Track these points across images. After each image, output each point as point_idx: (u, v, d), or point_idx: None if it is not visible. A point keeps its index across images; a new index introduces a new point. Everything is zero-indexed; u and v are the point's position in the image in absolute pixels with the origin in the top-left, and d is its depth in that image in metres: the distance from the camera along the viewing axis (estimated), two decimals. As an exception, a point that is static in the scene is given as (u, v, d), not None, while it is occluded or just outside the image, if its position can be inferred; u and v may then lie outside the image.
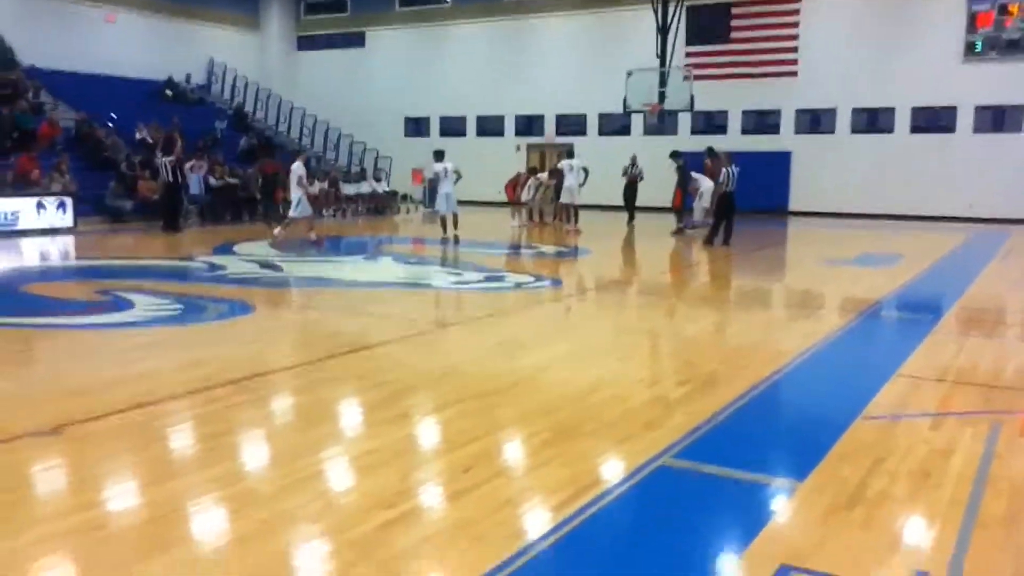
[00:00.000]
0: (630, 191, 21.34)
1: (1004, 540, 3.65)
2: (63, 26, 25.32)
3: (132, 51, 27.01)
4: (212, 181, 21.19)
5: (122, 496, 4.13)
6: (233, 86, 29.58)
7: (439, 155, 16.83)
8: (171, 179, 18.13)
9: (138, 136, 22.59)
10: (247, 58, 30.95)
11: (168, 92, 27.30)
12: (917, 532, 3.79)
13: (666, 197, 20.64)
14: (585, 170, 19.56)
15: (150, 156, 19.85)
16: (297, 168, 15.94)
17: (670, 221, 19.74)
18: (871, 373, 6.60)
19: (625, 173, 21.25)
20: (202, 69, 29.77)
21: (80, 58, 25.06)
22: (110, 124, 23.26)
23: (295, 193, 15.94)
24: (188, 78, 28.48)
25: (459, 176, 16.68)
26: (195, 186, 20.79)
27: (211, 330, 8.24)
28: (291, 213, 16.19)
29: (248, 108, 29.09)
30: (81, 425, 5.06)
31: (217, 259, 13.50)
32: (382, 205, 25.16)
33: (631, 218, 21.29)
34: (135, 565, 3.35)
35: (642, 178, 21.37)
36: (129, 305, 9.21)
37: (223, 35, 30.56)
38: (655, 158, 23.96)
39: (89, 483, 4.25)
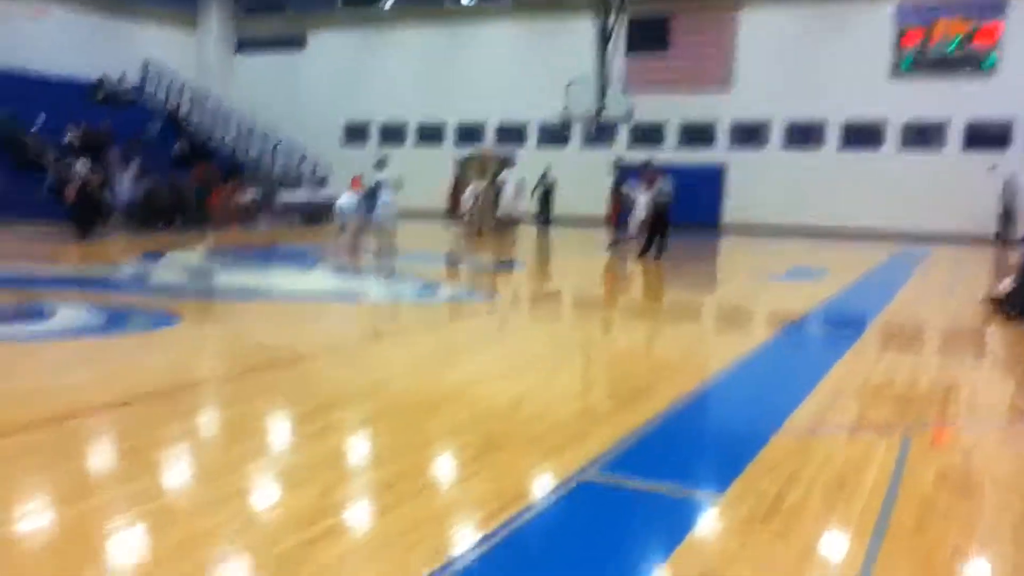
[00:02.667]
0: (544, 201, 21.69)
1: (912, 549, 3.78)
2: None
3: (61, 49, 26.26)
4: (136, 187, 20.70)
5: (32, 515, 4.01)
6: (168, 88, 28.94)
7: (381, 164, 16.84)
8: (80, 186, 17.57)
9: (66, 140, 22.00)
10: (183, 59, 30.32)
11: (100, 93, 26.60)
12: (830, 542, 3.89)
13: (603, 208, 20.88)
14: (521, 183, 19.82)
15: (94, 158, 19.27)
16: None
17: (606, 233, 19.93)
18: (793, 387, 6.76)
19: (538, 186, 21.53)
20: (136, 69, 29.07)
21: (4, 55, 24.29)
22: (36, 127, 22.58)
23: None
24: (121, 79, 27.76)
25: (400, 187, 16.66)
26: (126, 192, 20.32)
27: (134, 341, 8.06)
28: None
29: (184, 111, 28.51)
30: (-6, 440, 4.91)
31: (144, 267, 13.21)
32: (318, 214, 24.84)
33: (547, 227, 21.62)
34: (45, 586, 3.27)
35: (554, 187, 21.72)
36: (49, 314, 8.97)
37: (159, 34, 29.93)
38: (593, 169, 24.31)
39: (-1, 501, 4.12)
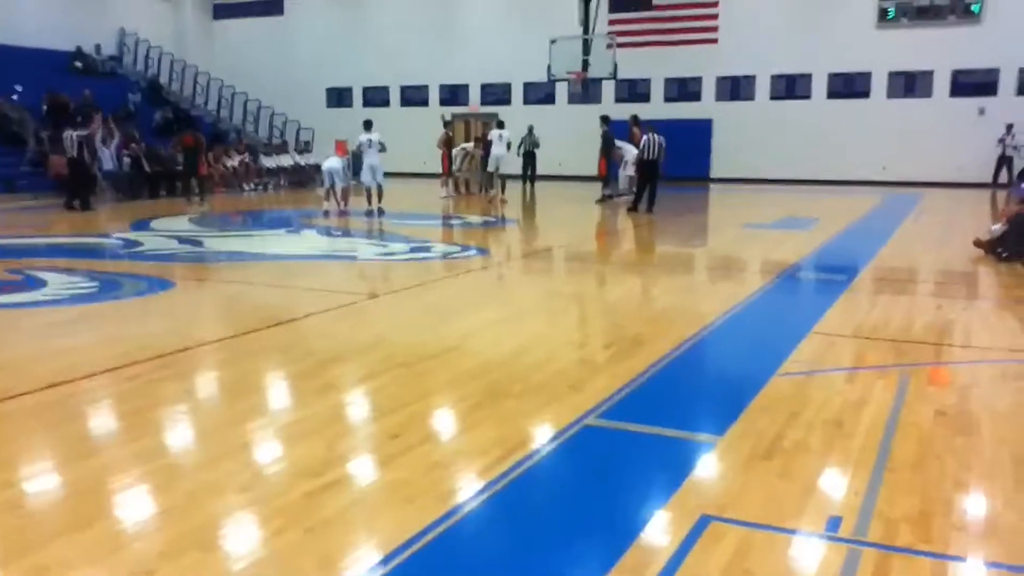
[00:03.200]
0: (528, 160, 21.71)
1: (911, 483, 3.83)
2: (-41, -6, 24.06)
3: (36, 20, 25.72)
4: (126, 156, 20.46)
5: (41, 474, 4.03)
6: (147, 57, 28.54)
7: (367, 125, 16.71)
8: (76, 154, 17.31)
9: (44, 108, 21.71)
10: (161, 27, 29.81)
11: (77, 63, 26.22)
12: (831, 479, 3.93)
13: (592, 165, 20.82)
14: (509, 144, 19.73)
15: (57, 126, 18.87)
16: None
17: (595, 189, 19.88)
18: (788, 332, 6.80)
19: (522, 143, 21.48)
20: (113, 39, 28.61)
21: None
22: (15, 97, 22.28)
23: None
24: (98, 49, 27.36)
25: (383, 148, 16.54)
26: (108, 161, 20.10)
27: (129, 306, 8.03)
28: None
29: (163, 80, 28.15)
30: (-5, 405, 4.91)
31: (134, 235, 13.13)
32: (304, 178, 24.71)
33: (532, 185, 21.75)
34: (55, 542, 3.28)
35: (538, 146, 21.72)
36: (41, 283, 8.92)
37: (134, 3, 29.36)
38: (580, 127, 24.19)
39: (6, 463, 4.12)
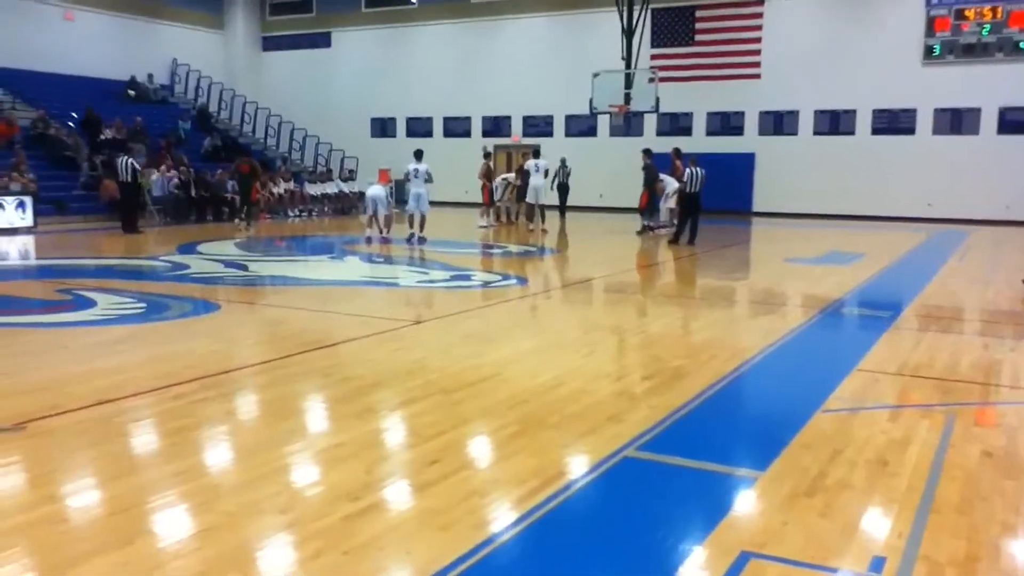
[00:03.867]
0: (562, 191, 21.90)
1: (957, 525, 3.74)
2: (21, 24, 24.84)
3: (93, 50, 26.56)
4: (177, 182, 20.89)
5: (85, 491, 4.10)
6: (197, 86, 29.27)
7: (418, 155, 16.90)
8: (129, 179, 17.76)
9: (105, 135, 22.29)
10: (211, 58, 30.61)
11: (130, 92, 26.96)
12: (874, 518, 3.86)
13: (632, 197, 20.81)
14: (547, 172, 19.81)
15: (113, 154, 19.43)
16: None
17: (636, 220, 19.85)
18: (831, 368, 6.71)
19: (556, 175, 21.65)
20: (165, 69, 29.39)
21: (39, 56, 24.64)
22: (71, 124, 22.93)
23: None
24: (151, 78, 28.12)
25: (429, 178, 16.69)
26: (158, 187, 20.55)
27: (175, 328, 8.17)
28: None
29: (212, 108, 28.81)
30: (44, 421, 5.01)
31: (181, 258, 13.37)
32: (348, 205, 25.04)
33: (563, 215, 21.96)
34: (97, 558, 3.33)
35: (570, 175, 21.98)
36: (91, 304, 9.11)
37: (186, 35, 30.18)
38: (622, 159, 24.24)
39: (51, 478, 4.20)
